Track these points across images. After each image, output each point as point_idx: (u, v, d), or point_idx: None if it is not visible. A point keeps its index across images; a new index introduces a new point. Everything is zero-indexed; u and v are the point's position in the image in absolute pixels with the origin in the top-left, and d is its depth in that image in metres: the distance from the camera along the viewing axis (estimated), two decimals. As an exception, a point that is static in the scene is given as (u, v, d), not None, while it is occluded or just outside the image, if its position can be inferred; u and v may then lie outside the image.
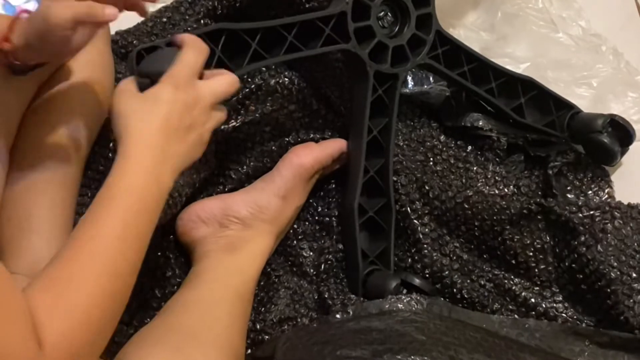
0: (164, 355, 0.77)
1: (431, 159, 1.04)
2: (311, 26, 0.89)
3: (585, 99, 1.13)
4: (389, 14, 0.94)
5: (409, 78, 1.10)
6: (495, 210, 0.95)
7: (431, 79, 1.10)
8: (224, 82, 0.75)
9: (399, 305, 0.82)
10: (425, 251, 0.95)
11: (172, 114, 0.69)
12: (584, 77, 1.16)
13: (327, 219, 1.01)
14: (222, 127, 0.96)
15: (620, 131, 1.04)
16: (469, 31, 1.23)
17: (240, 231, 0.93)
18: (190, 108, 0.71)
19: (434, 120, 1.09)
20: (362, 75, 0.94)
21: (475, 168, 1.04)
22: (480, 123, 1.06)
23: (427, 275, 0.94)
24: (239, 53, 0.84)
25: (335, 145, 0.99)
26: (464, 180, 1.02)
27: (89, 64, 0.90)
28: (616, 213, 0.93)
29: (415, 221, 0.96)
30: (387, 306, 0.83)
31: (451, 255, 0.96)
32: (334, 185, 1.03)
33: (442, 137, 1.07)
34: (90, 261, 0.61)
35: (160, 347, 0.78)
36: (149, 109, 0.69)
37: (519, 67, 1.16)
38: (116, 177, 0.66)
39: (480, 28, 1.23)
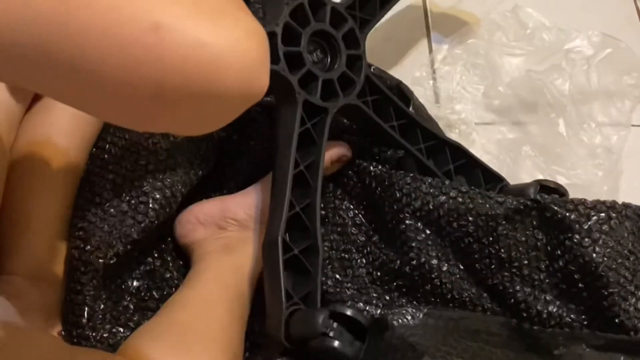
0: (165, 350, 0.78)
1: None
2: None
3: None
4: (318, 50, 0.91)
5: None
6: (490, 205, 0.92)
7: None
8: None
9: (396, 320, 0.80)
10: (415, 251, 0.92)
11: None
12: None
13: (325, 219, 1.00)
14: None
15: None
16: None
17: (238, 232, 0.94)
18: None
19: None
20: (290, 101, 0.88)
21: None
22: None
23: (417, 278, 0.91)
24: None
25: (334, 148, 0.98)
26: None
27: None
28: (612, 213, 0.91)
29: (406, 221, 0.93)
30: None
31: (440, 256, 0.92)
32: (332, 187, 1.02)
33: None
34: None
35: (161, 342, 0.79)
36: None
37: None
38: None
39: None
